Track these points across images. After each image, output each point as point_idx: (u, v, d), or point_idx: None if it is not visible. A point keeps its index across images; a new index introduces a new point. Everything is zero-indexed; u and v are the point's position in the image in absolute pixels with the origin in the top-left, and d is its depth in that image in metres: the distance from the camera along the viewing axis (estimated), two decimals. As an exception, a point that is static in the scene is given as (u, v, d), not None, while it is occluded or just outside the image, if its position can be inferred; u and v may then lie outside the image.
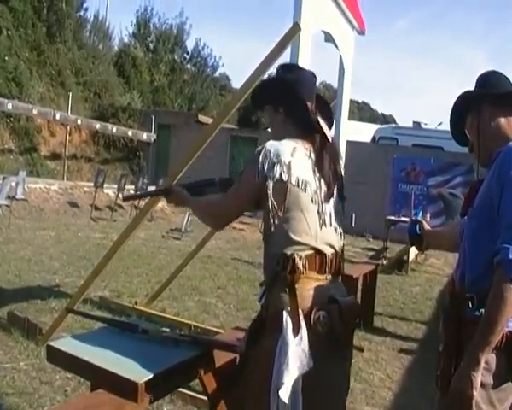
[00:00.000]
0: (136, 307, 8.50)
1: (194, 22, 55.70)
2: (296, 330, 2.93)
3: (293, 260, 3.03)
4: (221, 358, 3.95)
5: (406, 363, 7.83)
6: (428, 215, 17.45)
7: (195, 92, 40.52)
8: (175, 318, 8.26)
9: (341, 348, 3.13)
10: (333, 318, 2.98)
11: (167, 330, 4.03)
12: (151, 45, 41.01)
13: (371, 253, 18.18)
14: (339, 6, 6.33)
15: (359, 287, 8.83)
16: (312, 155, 3.23)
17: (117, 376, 3.28)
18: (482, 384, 2.64)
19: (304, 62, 5.19)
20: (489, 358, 2.64)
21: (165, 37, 41.10)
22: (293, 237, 3.08)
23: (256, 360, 3.15)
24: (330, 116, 3.58)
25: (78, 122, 23.92)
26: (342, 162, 3.50)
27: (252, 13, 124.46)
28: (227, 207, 3.58)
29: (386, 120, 68.02)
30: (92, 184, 20.22)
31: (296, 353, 2.89)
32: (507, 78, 3.13)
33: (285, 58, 5.20)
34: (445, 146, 22.63)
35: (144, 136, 26.55)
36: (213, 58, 44.76)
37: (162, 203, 21.76)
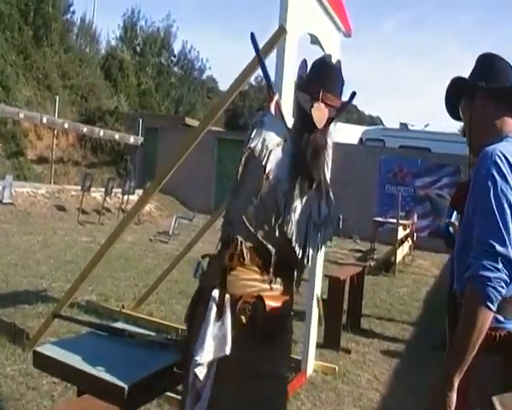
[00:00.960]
0: (123, 310, 8.49)
1: (181, 25, 55.80)
2: (219, 315, 3.05)
3: (236, 244, 3.18)
4: (207, 361, 3.94)
5: (394, 364, 7.84)
6: (415, 216, 17.52)
7: (182, 95, 40.51)
8: (162, 321, 8.26)
9: (268, 343, 3.14)
10: (256, 313, 3.06)
11: (153, 334, 4.03)
12: (138, 48, 40.99)
13: (358, 254, 18.17)
14: (325, 8, 6.32)
15: (346, 289, 8.81)
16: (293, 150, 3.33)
17: (103, 381, 3.28)
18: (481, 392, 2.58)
19: (289, 65, 5.18)
20: (482, 362, 2.53)
21: (152, 40, 41.08)
22: (248, 216, 3.22)
23: (191, 327, 3.33)
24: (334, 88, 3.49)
25: (65, 126, 23.83)
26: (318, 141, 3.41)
27: (239, 15, 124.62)
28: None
29: (373, 121, 68.10)
30: (79, 187, 20.13)
31: (215, 336, 3.02)
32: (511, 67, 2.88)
33: (271, 61, 5.20)
34: (432, 147, 22.72)
35: (131, 139, 26.50)
36: (200, 61, 44.81)
37: (149, 206, 21.76)
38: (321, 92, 3.32)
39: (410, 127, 26.17)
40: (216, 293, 3.09)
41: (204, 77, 47.44)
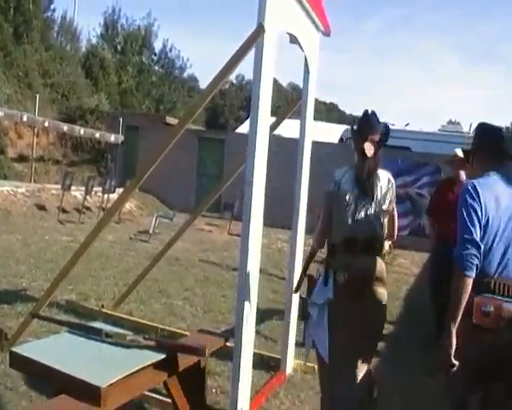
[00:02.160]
0: (102, 310, 8.47)
1: (161, 23, 55.56)
2: (325, 281, 4.83)
3: (333, 244, 4.98)
4: (185, 361, 3.95)
5: (374, 363, 7.83)
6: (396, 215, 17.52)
7: (163, 94, 40.56)
8: (142, 321, 8.25)
9: (357, 296, 4.68)
10: (349, 277, 4.72)
11: (131, 334, 4.02)
12: (119, 47, 40.97)
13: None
14: (303, 7, 6.31)
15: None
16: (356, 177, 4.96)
17: (80, 381, 3.28)
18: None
19: (268, 64, 5.17)
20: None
21: (132, 38, 41.05)
22: (337, 230, 4.94)
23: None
24: (383, 134, 5.17)
25: (46, 124, 23.73)
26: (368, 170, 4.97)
27: (220, 14, 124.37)
28: (321, 227, 5.28)
29: (354, 120, 68.22)
30: (60, 186, 20.02)
31: (323, 291, 4.79)
32: (499, 133, 4.53)
33: (249, 59, 5.19)
34: (413, 146, 22.76)
35: (112, 138, 26.42)
36: (181, 59, 44.90)
37: (130, 205, 21.70)
38: (368, 136, 4.97)
39: (390, 126, 26.18)
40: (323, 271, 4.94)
41: (185, 75, 47.60)
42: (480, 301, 3.84)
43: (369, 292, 4.70)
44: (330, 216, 4.92)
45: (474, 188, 3.97)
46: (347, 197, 4.76)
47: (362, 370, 4.77)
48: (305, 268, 5.42)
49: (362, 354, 4.77)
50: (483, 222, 3.89)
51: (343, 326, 4.62)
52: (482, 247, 3.83)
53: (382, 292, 4.80)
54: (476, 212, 3.89)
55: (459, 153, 8.83)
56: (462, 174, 8.75)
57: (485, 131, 4.49)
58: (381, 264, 4.83)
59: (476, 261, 3.78)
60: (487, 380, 4.04)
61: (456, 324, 3.79)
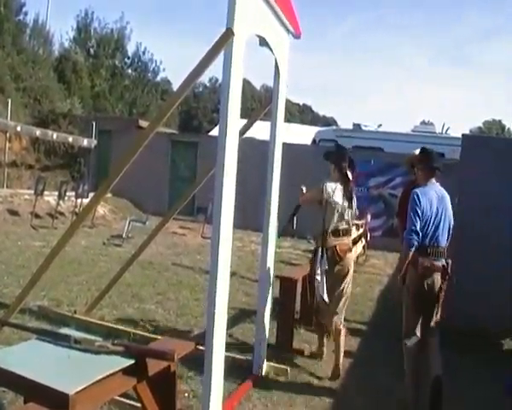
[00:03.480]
0: (75, 315, 8.41)
1: (134, 26, 55.34)
2: (322, 255, 7.37)
3: (327, 231, 7.45)
4: (154, 366, 3.94)
5: (346, 364, 7.87)
6: (369, 216, 17.60)
7: (136, 97, 40.45)
8: (114, 326, 8.22)
9: (338, 263, 7.48)
10: (334, 252, 7.43)
11: (100, 339, 3.99)
12: (92, 50, 40.78)
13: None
14: (273, 10, 6.31)
15: (298, 289, 8.81)
16: (342, 189, 7.57)
17: (48, 388, 3.25)
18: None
19: (237, 67, 5.17)
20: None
21: (105, 41, 40.86)
22: (329, 222, 7.49)
23: (312, 265, 7.69)
24: (353, 165, 7.95)
25: (18, 129, 23.49)
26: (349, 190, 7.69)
27: (193, 16, 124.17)
28: (309, 195, 7.95)
29: (327, 122, 68.34)
30: (32, 191, 19.89)
31: (321, 263, 7.35)
32: (432, 155, 6.95)
33: (218, 63, 5.18)
34: (386, 147, 22.85)
35: (85, 142, 26.24)
36: (154, 62, 44.69)
37: (103, 210, 21.62)
38: (346, 165, 7.66)
39: (363, 127, 26.27)
40: (320, 248, 7.46)
41: (158, 79, 47.43)
42: (422, 261, 6.41)
43: (346, 258, 7.56)
44: (315, 199, 7.69)
45: (418, 196, 6.50)
46: (337, 207, 7.48)
47: (338, 301, 7.62)
48: (294, 214, 8.84)
49: (337, 289, 7.54)
50: (422, 217, 6.43)
51: (330, 277, 7.41)
52: (421, 233, 6.40)
53: (350, 256, 7.76)
54: (417, 212, 6.42)
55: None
56: None
57: (426, 154, 6.97)
58: (350, 241, 7.80)
59: (415, 242, 6.37)
60: (425, 305, 6.53)
61: (402, 272, 6.63)
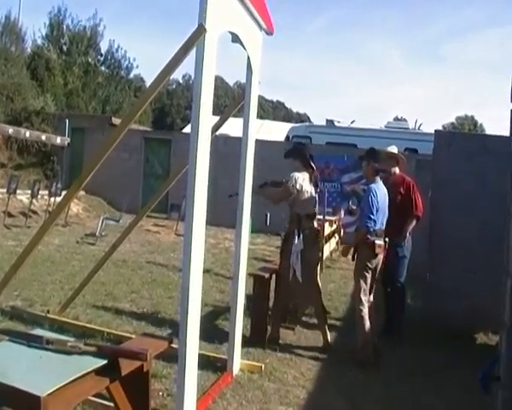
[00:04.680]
0: (48, 315, 8.35)
1: (107, 24, 54.97)
2: (298, 236, 8.24)
3: (299, 215, 8.36)
4: (127, 366, 3.91)
5: (321, 361, 7.88)
6: (342, 212, 17.61)
7: (109, 95, 40.33)
8: (88, 325, 8.18)
9: (314, 243, 8.53)
10: (310, 233, 8.41)
11: (72, 340, 3.96)
12: (64, 47, 40.62)
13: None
14: (246, 6, 6.30)
15: (272, 287, 8.79)
16: (308, 178, 8.53)
17: (19, 391, 3.22)
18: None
19: (209, 63, 5.15)
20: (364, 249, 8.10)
21: (78, 38, 40.71)
22: (300, 207, 8.36)
23: (286, 247, 8.47)
24: (313, 159, 8.78)
25: (-10, 127, 23.35)
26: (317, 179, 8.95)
27: (166, 14, 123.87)
28: (279, 195, 8.68)
29: (300, 118, 68.51)
30: (5, 190, 19.75)
31: (297, 244, 8.21)
32: (378, 155, 8.52)
33: (191, 59, 5.16)
34: (359, 143, 22.84)
35: (58, 140, 26.04)
36: (127, 60, 44.56)
37: (77, 208, 21.50)
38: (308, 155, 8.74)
39: (336, 124, 26.32)
40: (296, 230, 8.29)
41: (131, 76, 47.33)
42: (374, 240, 7.97)
43: (320, 238, 9.21)
44: (287, 194, 8.45)
45: (375, 190, 8.08)
46: (307, 192, 8.45)
47: (311, 280, 8.53)
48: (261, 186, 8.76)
49: (310, 268, 8.45)
50: (376, 206, 7.99)
51: (304, 257, 8.25)
52: (375, 219, 7.98)
53: (320, 237, 9.39)
54: (374, 203, 7.99)
55: (393, 150, 9.10)
56: (396, 170, 9.53)
57: (376, 154, 8.45)
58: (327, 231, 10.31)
59: (372, 227, 7.95)
60: (374, 274, 8.20)
61: (357, 245, 8.20)
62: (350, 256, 8.50)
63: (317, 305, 8.67)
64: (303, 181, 8.43)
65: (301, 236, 8.27)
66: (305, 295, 8.77)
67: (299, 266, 8.18)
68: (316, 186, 8.78)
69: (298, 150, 8.95)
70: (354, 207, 10.44)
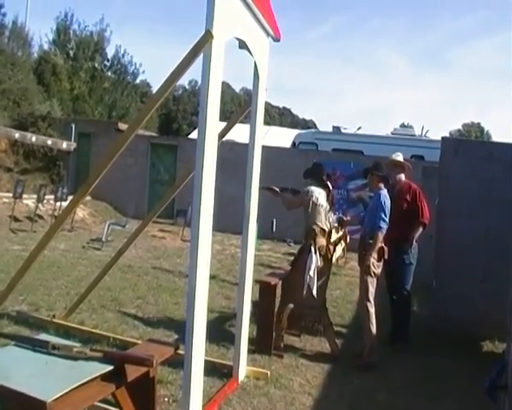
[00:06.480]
0: (54, 320, 8.34)
1: (114, 29, 55.08)
2: (315, 252, 8.25)
3: (315, 230, 8.36)
4: (133, 372, 3.91)
5: (326, 368, 7.86)
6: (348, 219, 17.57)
7: (116, 100, 40.31)
8: (93, 330, 8.16)
9: (327, 261, 8.63)
10: (325, 251, 8.49)
11: (78, 345, 3.95)
12: (71, 52, 40.53)
13: (292, 258, 18.16)
14: (253, 13, 6.30)
15: (278, 293, 8.77)
16: (325, 195, 8.69)
17: (24, 395, 3.22)
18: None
19: (216, 70, 5.16)
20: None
21: (85, 44, 40.65)
22: (316, 221, 8.43)
23: (301, 260, 8.43)
24: (330, 179, 9.18)
25: (-4, 131, 23.36)
26: (331, 197, 8.91)
27: (172, 20, 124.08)
28: (294, 203, 8.94)
29: (307, 125, 68.50)
30: (11, 194, 19.76)
31: (315, 259, 8.20)
32: (380, 166, 8.79)
33: (198, 65, 5.17)
34: (365, 150, 22.83)
35: (64, 145, 26.05)
36: (134, 65, 44.51)
37: (83, 213, 21.50)
38: (325, 176, 8.98)
39: (342, 130, 26.25)
40: (312, 246, 8.27)
41: (137, 81, 47.29)
42: (382, 245, 8.32)
43: (331, 254, 8.79)
44: (302, 204, 8.64)
45: (385, 195, 8.47)
46: (322, 209, 8.54)
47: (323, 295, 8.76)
48: (273, 189, 9.00)
49: (322, 285, 8.57)
50: (387, 210, 8.36)
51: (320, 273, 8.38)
52: (387, 221, 8.32)
53: (331, 254, 8.85)
54: (386, 209, 8.34)
55: (399, 157, 9.11)
56: (402, 177, 9.51)
57: (378, 165, 8.77)
58: (333, 238, 9.05)
59: (384, 228, 8.28)
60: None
61: (373, 253, 8.27)
62: (357, 264, 8.83)
63: (324, 318, 8.73)
64: (319, 194, 8.58)
65: (317, 252, 8.32)
66: (312, 307, 8.67)
67: (315, 282, 8.24)
68: (332, 205, 8.91)
69: (317, 171, 9.08)
70: (349, 218, 10.83)
